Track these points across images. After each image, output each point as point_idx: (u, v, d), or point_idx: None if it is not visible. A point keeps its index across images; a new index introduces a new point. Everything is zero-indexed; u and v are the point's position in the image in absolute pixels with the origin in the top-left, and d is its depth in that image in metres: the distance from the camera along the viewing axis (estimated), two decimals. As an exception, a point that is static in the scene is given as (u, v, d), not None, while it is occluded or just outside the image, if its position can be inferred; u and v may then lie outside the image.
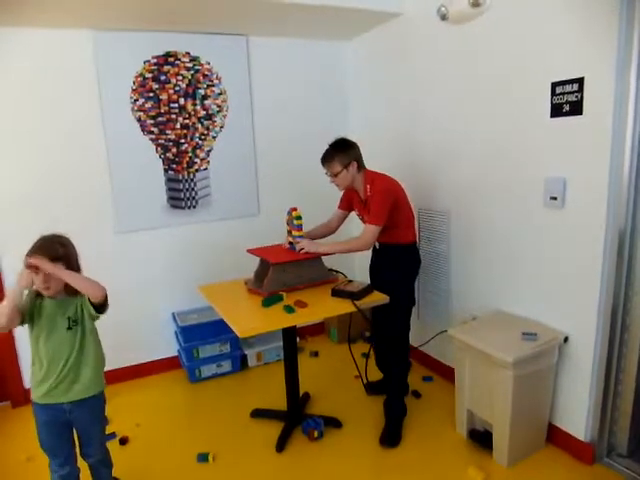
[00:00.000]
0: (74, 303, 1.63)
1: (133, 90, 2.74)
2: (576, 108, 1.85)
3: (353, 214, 2.52)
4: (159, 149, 2.87)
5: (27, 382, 2.69)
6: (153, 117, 2.82)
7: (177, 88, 2.85)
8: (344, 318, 2.75)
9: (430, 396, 2.54)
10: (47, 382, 1.60)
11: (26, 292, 1.58)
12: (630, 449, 2.02)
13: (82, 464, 1.76)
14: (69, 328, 1.61)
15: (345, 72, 3.36)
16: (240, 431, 2.39)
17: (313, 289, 2.24)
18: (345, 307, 2.04)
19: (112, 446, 1.99)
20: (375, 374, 2.66)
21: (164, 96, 2.82)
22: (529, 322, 2.14)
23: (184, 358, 2.90)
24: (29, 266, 1.51)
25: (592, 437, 2.03)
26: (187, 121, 2.91)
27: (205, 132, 2.98)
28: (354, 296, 2.06)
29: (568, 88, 1.86)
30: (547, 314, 2.11)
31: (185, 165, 2.96)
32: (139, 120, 2.79)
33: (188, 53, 2.85)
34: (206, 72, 2.92)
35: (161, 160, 2.89)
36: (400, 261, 2.31)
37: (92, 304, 1.60)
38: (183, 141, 2.93)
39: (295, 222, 2.30)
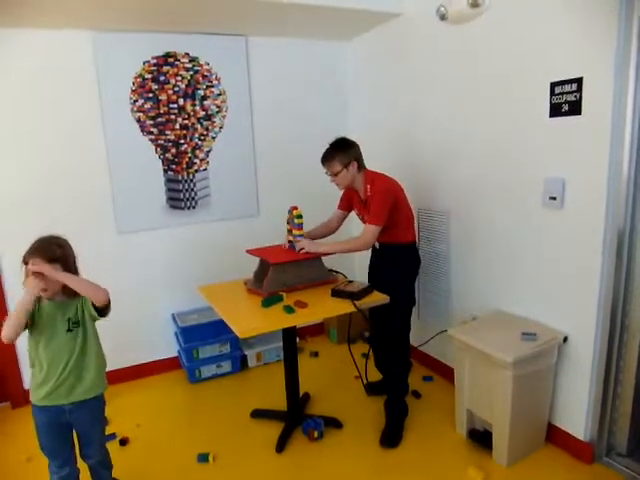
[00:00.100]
0: (74, 305, 1.62)
1: (133, 91, 2.75)
2: (575, 108, 1.85)
3: (353, 214, 2.52)
4: (158, 149, 2.88)
5: (27, 383, 2.69)
6: (152, 118, 2.82)
7: (176, 89, 2.85)
8: (344, 318, 2.75)
9: (430, 396, 2.54)
10: (47, 385, 1.59)
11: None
12: (629, 448, 2.03)
13: (82, 465, 1.76)
14: (69, 330, 1.61)
15: (345, 72, 3.36)
16: (240, 431, 2.39)
17: (313, 289, 2.24)
18: (345, 307, 2.04)
19: (112, 447, 1.99)
20: (375, 374, 2.66)
21: (163, 97, 2.82)
22: (529, 322, 2.14)
23: (184, 359, 2.91)
24: (34, 273, 1.50)
25: (591, 437, 2.03)
26: (186, 122, 2.92)
27: (204, 133, 2.98)
28: (354, 296, 2.06)
29: (567, 88, 1.87)
30: (546, 314, 2.11)
31: (184, 166, 2.96)
32: (139, 121, 2.79)
33: (187, 54, 2.85)
34: (205, 73, 2.92)
35: (160, 160, 2.89)
36: (400, 261, 2.31)
37: (95, 307, 1.61)
38: (182, 142, 2.93)
39: (296, 221, 2.30)
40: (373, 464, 2.12)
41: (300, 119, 3.25)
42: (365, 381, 2.61)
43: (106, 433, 1.90)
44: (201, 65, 2.90)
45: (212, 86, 2.95)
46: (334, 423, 2.37)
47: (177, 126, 2.89)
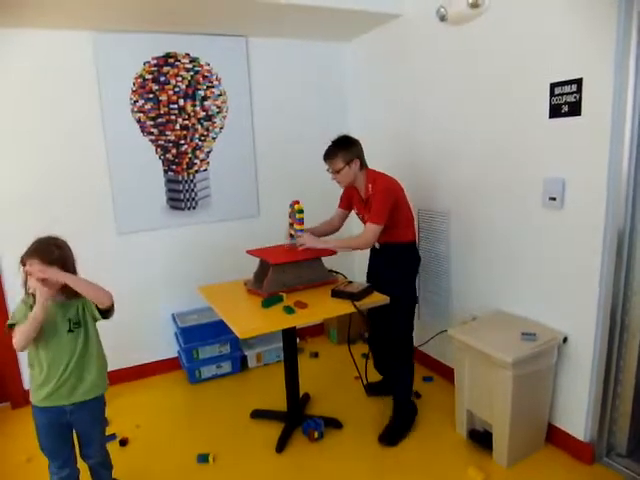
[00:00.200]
0: (74, 305, 1.62)
1: (133, 91, 2.75)
2: (575, 109, 1.86)
3: (353, 213, 2.52)
4: (159, 150, 2.88)
5: (27, 383, 2.69)
6: (153, 118, 2.82)
7: (177, 89, 2.86)
8: (344, 319, 2.75)
9: (430, 396, 2.54)
10: (48, 386, 1.59)
11: (29, 302, 1.57)
12: (629, 449, 2.03)
13: (81, 465, 1.76)
14: (70, 331, 1.60)
15: (345, 73, 3.37)
16: (240, 432, 2.39)
17: (313, 290, 2.24)
18: (345, 308, 2.04)
19: (112, 447, 1.99)
20: (375, 375, 2.66)
21: (164, 97, 2.83)
22: (528, 322, 2.14)
23: (184, 359, 2.91)
24: (40, 279, 1.50)
25: (591, 437, 2.03)
26: (187, 122, 2.92)
27: (205, 133, 2.98)
28: (354, 297, 2.06)
29: (567, 89, 1.87)
30: (546, 314, 2.11)
31: (185, 166, 2.96)
32: (139, 121, 2.79)
33: (188, 54, 2.85)
34: (206, 73, 2.93)
35: (161, 161, 2.90)
36: (400, 260, 2.31)
37: (98, 308, 1.61)
38: (183, 142, 2.93)
39: (297, 216, 2.30)
40: (373, 464, 2.12)
41: (300, 119, 3.25)
42: (365, 381, 2.61)
43: (106, 433, 1.90)
44: (201, 66, 2.90)
45: (212, 87, 2.96)
46: (334, 423, 2.37)
47: (177, 127, 2.89)
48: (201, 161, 3.00)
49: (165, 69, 2.80)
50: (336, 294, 2.12)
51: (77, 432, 1.71)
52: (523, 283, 2.22)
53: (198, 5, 2.35)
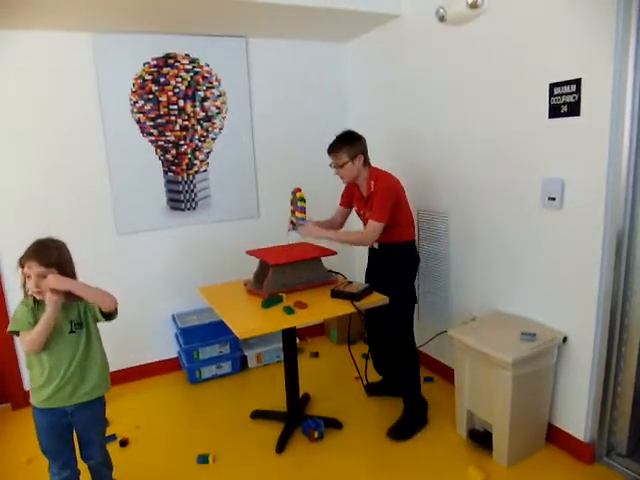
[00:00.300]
0: (75, 306, 1.62)
1: (133, 92, 2.75)
2: (574, 109, 1.86)
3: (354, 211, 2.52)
4: (158, 151, 2.88)
5: (27, 384, 2.69)
6: (152, 119, 2.82)
7: (177, 90, 2.86)
8: (344, 319, 2.75)
9: (430, 397, 2.53)
10: (49, 387, 1.58)
11: (29, 304, 1.57)
12: (630, 449, 2.03)
13: (81, 466, 1.76)
14: (72, 332, 1.60)
15: (344, 73, 3.37)
16: (240, 432, 2.39)
17: (313, 290, 2.24)
18: (345, 308, 2.04)
19: (112, 448, 1.99)
20: (375, 375, 2.66)
21: (163, 98, 2.83)
22: (528, 322, 2.14)
23: (184, 359, 2.91)
24: (52, 290, 1.51)
25: (592, 437, 2.03)
26: (186, 123, 2.92)
27: (204, 134, 2.99)
28: (354, 297, 2.06)
29: (566, 89, 1.87)
30: (546, 314, 2.11)
31: (184, 167, 2.97)
32: (139, 122, 2.80)
33: (187, 55, 2.86)
34: (205, 74, 2.93)
35: (160, 162, 2.90)
36: (400, 260, 2.31)
37: (101, 311, 1.61)
38: (182, 143, 2.93)
39: (299, 204, 2.26)
40: (373, 464, 2.12)
41: (300, 120, 3.25)
42: (365, 382, 2.61)
43: (106, 434, 1.90)
44: (201, 66, 2.91)
45: (212, 87, 2.96)
46: (334, 424, 2.37)
47: (177, 127, 2.90)
48: (201, 162, 3.01)
49: (165, 70, 2.81)
50: (336, 294, 2.12)
51: (78, 433, 1.71)
52: (523, 283, 2.22)
53: (198, 6, 2.35)
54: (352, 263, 3.39)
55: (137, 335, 2.95)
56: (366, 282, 2.43)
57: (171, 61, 2.82)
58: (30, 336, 1.52)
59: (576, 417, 2.06)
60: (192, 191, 3.00)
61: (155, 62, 2.78)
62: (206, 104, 2.96)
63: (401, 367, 2.35)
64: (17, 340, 2.64)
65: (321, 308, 2.05)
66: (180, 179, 2.96)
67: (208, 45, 2.89)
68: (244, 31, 2.91)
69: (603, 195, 1.82)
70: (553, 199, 1.99)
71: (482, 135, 2.32)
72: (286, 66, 3.17)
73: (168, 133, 2.88)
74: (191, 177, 2.99)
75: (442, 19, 2.25)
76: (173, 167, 2.94)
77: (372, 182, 2.24)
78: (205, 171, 3.03)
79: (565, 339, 2.02)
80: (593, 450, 2.02)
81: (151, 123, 2.83)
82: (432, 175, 2.68)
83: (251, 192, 3.18)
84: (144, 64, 2.75)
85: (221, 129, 3.03)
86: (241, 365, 3.05)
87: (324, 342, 3.47)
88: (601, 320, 1.92)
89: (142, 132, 2.82)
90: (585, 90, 1.81)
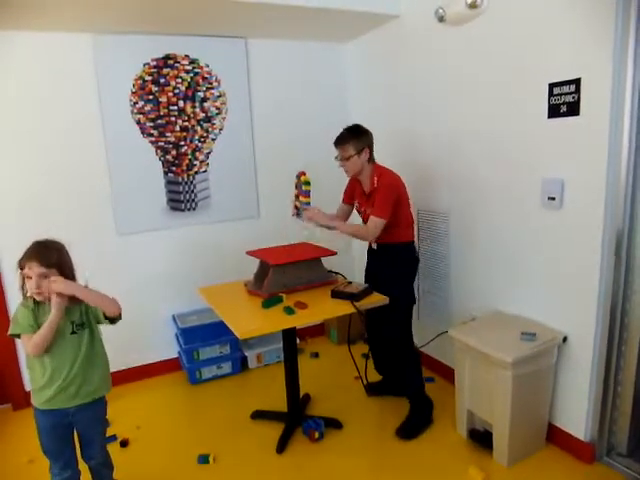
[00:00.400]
0: (77, 307, 1.62)
1: (133, 93, 2.75)
2: (573, 109, 1.86)
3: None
4: (159, 151, 2.88)
5: (28, 385, 2.69)
6: (153, 120, 2.83)
7: (176, 91, 2.86)
8: (344, 319, 2.75)
9: (431, 396, 2.53)
10: (51, 388, 1.58)
11: (29, 306, 1.57)
12: (630, 448, 2.03)
13: (82, 467, 1.76)
14: (73, 332, 1.60)
15: (344, 74, 3.37)
16: (241, 432, 2.39)
17: (313, 290, 2.24)
18: (345, 308, 2.04)
19: (113, 449, 1.99)
20: (375, 375, 2.66)
21: (163, 99, 2.83)
22: (528, 322, 2.15)
23: (184, 360, 2.91)
24: (58, 294, 1.51)
25: (592, 437, 2.03)
26: (186, 123, 2.92)
27: (204, 134, 2.99)
28: (354, 297, 2.06)
29: (565, 89, 1.87)
30: (546, 314, 2.12)
31: (184, 167, 2.97)
32: (139, 123, 2.80)
33: (187, 56, 2.86)
34: (205, 75, 2.93)
35: (161, 162, 2.90)
36: (399, 260, 2.32)
37: (105, 315, 1.62)
38: (182, 143, 2.94)
39: (303, 187, 2.22)
40: (374, 464, 2.12)
41: (299, 120, 3.25)
42: (365, 382, 2.62)
43: (107, 435, 1.90)
44: (201, 67, 2.91)
45: (212, 88, 2.96)
46: (334, 424, 2.37)
47: (177, 128, 2.90)
48: (201, 162, 3.01)
49: (165, 71, 2.81)
50: (336, 294, 2.12)
51: (79, 433, 1.71)
52: (522, 283, 2.23)
53: (197, 7, 2.35)
54: (352, 263, 3.39)
55: (137, 335, 2.95)
56: (365, 282, 2.43)
57: (171, 62, 2.82)
58: (34, 340, 1.52)
59: (576, 417, 2.06)
60: (192, 191, 3.01)
61: (155, 63, 2.78)
62: (206, 105, 2.96)
63: (401, 367, 2.35)
64: (18, 341, 2.65)
65: (321, 308, 2.06)
66: (180, 180, 2.96)
67: (208, 46, 2.90)
68: (244, 32, 2.92)
69: (603, 195, 1.82)
70: (553, 199, 1.99)
71: (482, 135, 2.32)
72: (286, 66, 3.17)
73: (168, 134, 2.88)
74: (191, 178, 2.99)
75: (441, 19, 2.25)
76: (173, 168, 2.94)
77: (375, 178, 2.23)
78: (205, 171, 3.03)
79: (565, 339, 2.02)
80: (593, 450, 2.03)
81: (151, 124, 2.83)
82: (432, 175, 2.68)
83: (251, 192, 3.19)
84: (144, 65, 2.76)
85: (221, 130, 3.03)
86: (241, 365, 3.05)
87: (324, 342, 3.47)
88: (601, 320, 1.92)
89: (142, 133, 2.82)
90: (584, 90, 1.81)
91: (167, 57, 2.81)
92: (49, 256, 1.54)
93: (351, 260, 3.40)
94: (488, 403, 2.05)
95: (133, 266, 2.90)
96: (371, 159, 2.28)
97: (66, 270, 1.59)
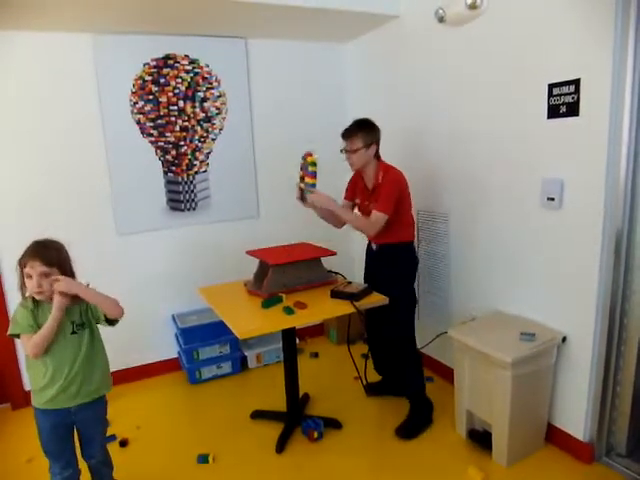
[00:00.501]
0: (77, 307, 1.62)
1: (133, 93, 2.76)
2: (573, 109, 1.86)
3: None
4: (158, 151, 2.88)
5: (27, 384, 2.69)
6: (152, 120, 2.83)
7: (176, 91, 2.86)
8: (343, 319, 2.75)
9: (430, 397, 2.53)
10: (52, 388, 1.58)
11: (28, 306, 1.57)
12: (629, 449, 2.03)
13: (81, 466, 1.76)
14: (73, 332, 1.60)
15: (344, 74, 3.38)
16: (240, 432, 2.39)
17: (312, 290, 2.25)
18: (344, 308, 2.04)
19: (112, 448, 1.99)
20: (375, 375, 2.66)
21: (163, 99, 2.83)
22: (528, 322, 2.15)
23: (184, 360, 2.91)
24: (60, 293, 1.52)
25: (591, 437, 2.03)
26: (186, 123, 2.93)
27: (204, 134, 2.99)
28: (353, 297, 2.06)
29: (565, 89, 1.88)
30: (545, 314, 2.12)
31: (184, 167, 2.97)
32: (139, 123, 2.80)
33: (187, 56, 2.86)
34: (205, 75, 2.93)
35: (160, 162, 2.90)
36: (400, 260, 2.31)
37: (105, 317, 1.62)
38: (182, 143, 2.94)
39: (310, 168, 2.15)
40: (373, 464, 2.12)
41: (299, 120, 3.25)
42: (365, 382, 2.62)
43: (107, 434, 1.90)
44: (201, 67, 2.91)
45: (212, 88, 2.97)
46: (334, 424, 2.38)
47: (177, 128, 2.90)
48: (201, 162, 3.01)
49: (165, 71, 2.81)
50: (335, 294, 2.12)
51: (79, 432, 1.71)
52: (522, 283, 2.23)
53: (197, 7, 2.35)
54: (352, 263, 3.39)
55: (137, 335, 2.95)
56: (365, 281, 2.44)
57: (171, 62, 2.82)
58: (33, 340, 1.52)
59: (575, 417, 2.06)
60: (192, 191, 3.01)
61: (155, 63, 2.78)
62: (206, 105, 2.96)
63: (402, 367, 2.36)
64: (17, 341, 2.65)
65: (321, 308, 2.06)
66: (180, 179, 2.97)
67: (208, 46, 2.90)
68: (244, 32, 2.92)
69: (602, 195, 1.83)
70: (552, 199, 1.99)
71: (481, 135, 2.32)
72: (286, 67, 3.18)
73: (168, 134, 2.88)
74: (191, 177, 3.00)
75: (441, 20, 2.25)
76: (173, 167, 2.94)
77: (380, 174, 2.22)
78: (205, 171, 3.03)
79: (564, 339, 2.02)
80: (592, 450, 2.03)
81: (151, 124, 2.83)
82: (432, 175, 2.68)
83: (251, 192, 3.19)
84: (144, 65, 2.76)
85: (221, 130, 3.03)
86: (241, 365, 3.06)
87: (324, 342, 3.47)
88: (600, 320, 1.93)
89: (142, 133, 2.82)
90: (584, 90, 1.81)
91: (167, 57, 2.81)
92: (50, 255, 1.54)
93: (351, 260, 3.40)
94: (487, 403, 2.05)
95: (133, 266, 2.91)
96: (377, 155, 2.27)
97: (67, 269, 1.59)
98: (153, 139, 2.86)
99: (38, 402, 1.61)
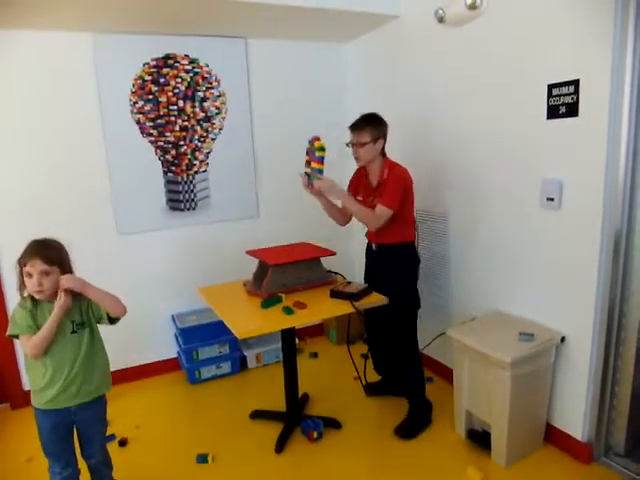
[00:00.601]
0: (77, 307, 1.62)
1: (132, 92, 2.76)
2: (572, 110, 1.86)
3: None
4: (158, 151, 2.89)
5: (26, 384, 2.69)
6: (152, 119, 2.83)
7: (176, 90, 2.86)
8: (343, 319, 2.75)
9: (429, 397, 2.53)
10: (53, 388, 1.58)
11: (27, 307, 1.56)
12: (627, 448, 2.03)
13: (81, 465, 1.76)
14: (73, 332, 1.60)
15: (344, 74, 3.38)
16: (239, 432, 2.39)
17: (312, 290, 2.25)
18: (344, 308, 2.05)
19: (111, 448, 1.99)
20: (374, 375, 2.67)
21: (163, 98, 2.83)
22: (527, 322, 2.15)
23: (184, 360, 2.91)
24: (65, 290, 1.52)
25: (589, 437, 2.04)
26: (186, 123, 2.93)
27: (204, 134, 2.99)
28: (353, 297, 2.07)
29: (564, 90, 1.88)
30: (544, 314, 2.12)
31: (184, 167, 2.97)
32: (138, 122, 2.80)
33: (187, 55, 2.86)
34: (205, 74, 2.93)
35: (160, 162, 2.90)
36: (400, 260, 2.31)
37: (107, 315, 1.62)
38: (182, 143, 2.94)
39: (317, 153, 2.11)
40: (372, 464, 2.12)
41: (299, 120, 3.25)
42: (364, 382, 2.62)
43: (106, 434, 1.90)
44: (201, 67, 2.91)
45: (212, 88, 2.97)
46: (333, 424, 2.38)
47: (177, 128, 2.90)
48: (200, 162, 3.01)
49: (164, 70, 2.81)
50: (335, 294, 2.13)
51: (79, 431, 1.71)
52: (521, 283, 2.23)
53: (197, 7, 2.35)
54: (351, 264, 3.40)
55: (137, 335, 2.95)
56: (366, 281, 2.43)
57: (171, 62, 2.82)
58: (33, 341, 1.52)
59: (574, 417, 2.06)
60: (192, 191, 3.01)
61: (155, 63, 2.78)
62: (206, 104, 2.96)
63: (402, 367, 2.36)
64: (16, 341, 2.64)
65: (320, 308, 2.06)
66: (180, 179, 2.97)
67: (208, 46, 2.90)
68: (243, 32, 2.92)
69: (601, 196, 1.83)
70: (552, 200, 2.00)
71: (481, 136, 2.33)
72: (286, 66, 3.18)
73: (168, 133, 2.88)
74: (191, 177, 3.00)
75: (441, 20, 2.25)
76: (173, 167, 2.94)
77: (386, 170, 2.21)
78: (205, 171, 3.03)
79: (563, 339, 2.03)
80: (591, 450, 2.03)
81: (151, 123, 2.83)
82: (432, 175, 2.68)
83: (251, 192, 3.19)
84: (144, 64, 2.76)
85: (221, 129, 3.04)
86: (240, 365, 3.06)
87: (323, 342, 3.47)
88: (599, 320, 1.93)
89: (142, 132, 2.82)
90: (583, 91, 1.82)
91: (167, 57, 2.81)
92: (51, 254, 1.54)
93: (350, 260, 3.40)
94: (486, 403, 2.05)
95: (133, 266, 2.91)
96: (383, 151, 2.26)
97: (67, 268, 1.59)
98: (153, 139, 2.86)
99: (38, 402, 1.61)
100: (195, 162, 2.99)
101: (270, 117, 3.17)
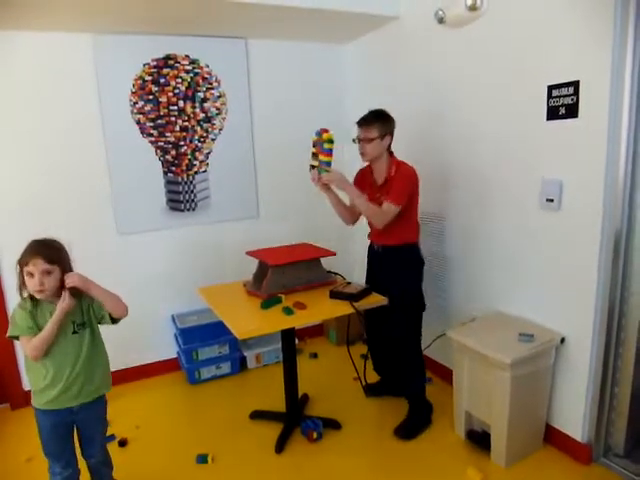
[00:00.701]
0: (79, 307, 1.62)
1: (133, 93, 2.76)
2: (572, 111, 1.87)
3: None
4: (158, 151, 2.89)
5: (26, 384, 2.69)
6: (152, 120, 2.83)
7: (176, 91, 2.87)
8: (343, 320, 2.75)
9: (429, 398, 2.54)
10: (54, 389, 1.58)
11: (27, 308, 1.56)
12: (627, 449, 2.03)
13: (81, 465, 1.76)
14: (74, 332, 1.60)
15: (344, 74, 3.38)
16: (239, 432, 2.40)
17: (312, 291, 2.25)
18: (344, 309, 2.05)
19: (111, 448, 1.99)
20: (374, 376, 2.67)
21: (163, 99, 2.84)
22: (526, 323, 2.15)
23: (183, 360, 2.91)
24: (70, 288, 1.52)
25: (589, 437, 2.04)
26: (186, 124, 2.93)
27: (204, 134, 2.99)
28: (353, 298, 2.07)
29: (564, 91, 1.88)
30: (544, 315, 2.12)
31: (184, 167, 2.97)
32: (138, 123, 2.80)
33: (187, 56, 2.86)
34: (205, 75, 2.94)
35: (160, 162, 2.90)
36: (408, 262, 2.30)
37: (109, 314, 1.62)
38: (182, 143, 2.94)
39: (325, 145, 2.08)
40: (372, 464, 2.12)
41: (299, 121, 3.25)
42: (364, 382, 2.62)
43: (106, 434, 1.90)
44: (201, 67, 2.91)
45: (212, 88, 2.97)
46: (333, 424, 2.38)
47: (177, 128, 2.90)
48: (200, 162, 3.01)
49: (165, 71, 2.81)
50: (335, 295, 2.13)
51: (80, 431, 1.71)
52: (521, 284, 2.23)
53: (197, 7, 2.36)
54: (351, 264, 3.40)
55: (137, 335, 2.95)
56: (368, 282, 2.43)
57: (171, 62, 2.83)
58: (33, 343, 1.52)
59: (574, 418, 2.06)
60: (192, 192, 3.01)
61: (155, 63, 2.79)
62: (206, 105, 2.96)
63: (402, 368, 2.36)
64: (16, 342, 2.64)
65: (320, 309, 2.06)
66: (180, 180, 2.97)
67: (208, 46, 2.90)
68: (244, 32, 2.92)
69: (601, 197, 1.83)
70: (551, 200, 2.00)
71: (481, 136, 2.33)
72: (286, 67, 3.18)
73: (168, 134, 2.89)
74: (191, 178, 3.00)
75: (441, 21, 2.26)
76: (173, 168, 2.94)
77: (394, 167, 2.20)
78: (205, 172, 3.03)
79: (563, 340, 2.03)
80: (590, 451, 2.03)
81: (151, 124, 2.83)
82: (432, 175, 2.68)
83: (251, 192, 3.19)
84: (144, 65, 2.76)
85: (221, 130, 3.04)
86: (240, 366, 3.06)
87: (323, 343, 3.47)
88: (599, 321, 1.93)
89: (142, 133, 2.82)
90: (583, 92, 1.82)
91: (167, 57, 2.81)
92: (52, 253, 1.54)
93: (350, 261, 3.40)
94: (486, 404, 2.05)
95: (133, 266, 2.91)
96: (390, 148, 2.25)
97: (67, 268, 1.59)
98: (153, 139, 2.86)
99: (38, 403, 1.61)
100: (195, 162, 3.00)
101: (270, 118, 3.17)
